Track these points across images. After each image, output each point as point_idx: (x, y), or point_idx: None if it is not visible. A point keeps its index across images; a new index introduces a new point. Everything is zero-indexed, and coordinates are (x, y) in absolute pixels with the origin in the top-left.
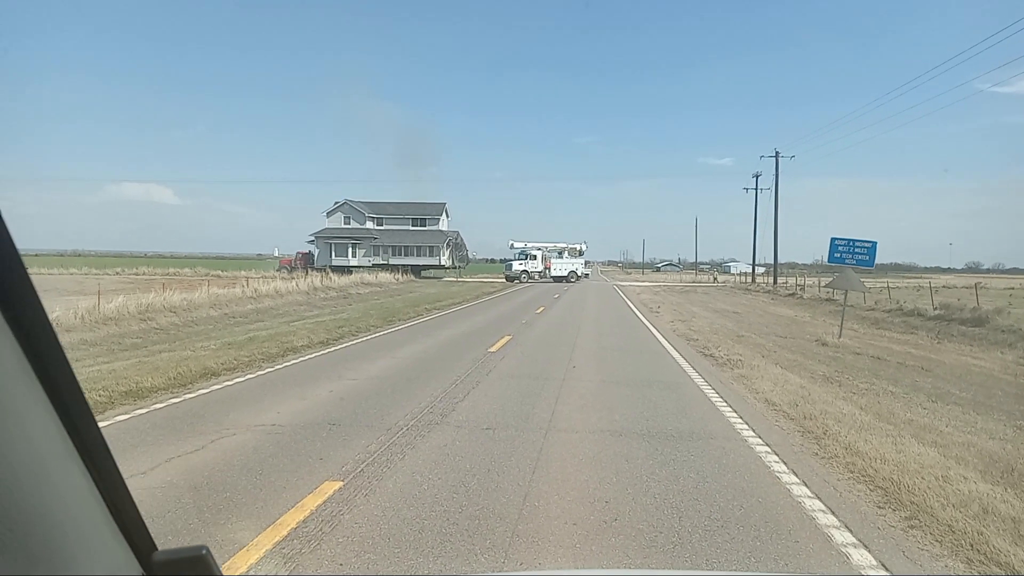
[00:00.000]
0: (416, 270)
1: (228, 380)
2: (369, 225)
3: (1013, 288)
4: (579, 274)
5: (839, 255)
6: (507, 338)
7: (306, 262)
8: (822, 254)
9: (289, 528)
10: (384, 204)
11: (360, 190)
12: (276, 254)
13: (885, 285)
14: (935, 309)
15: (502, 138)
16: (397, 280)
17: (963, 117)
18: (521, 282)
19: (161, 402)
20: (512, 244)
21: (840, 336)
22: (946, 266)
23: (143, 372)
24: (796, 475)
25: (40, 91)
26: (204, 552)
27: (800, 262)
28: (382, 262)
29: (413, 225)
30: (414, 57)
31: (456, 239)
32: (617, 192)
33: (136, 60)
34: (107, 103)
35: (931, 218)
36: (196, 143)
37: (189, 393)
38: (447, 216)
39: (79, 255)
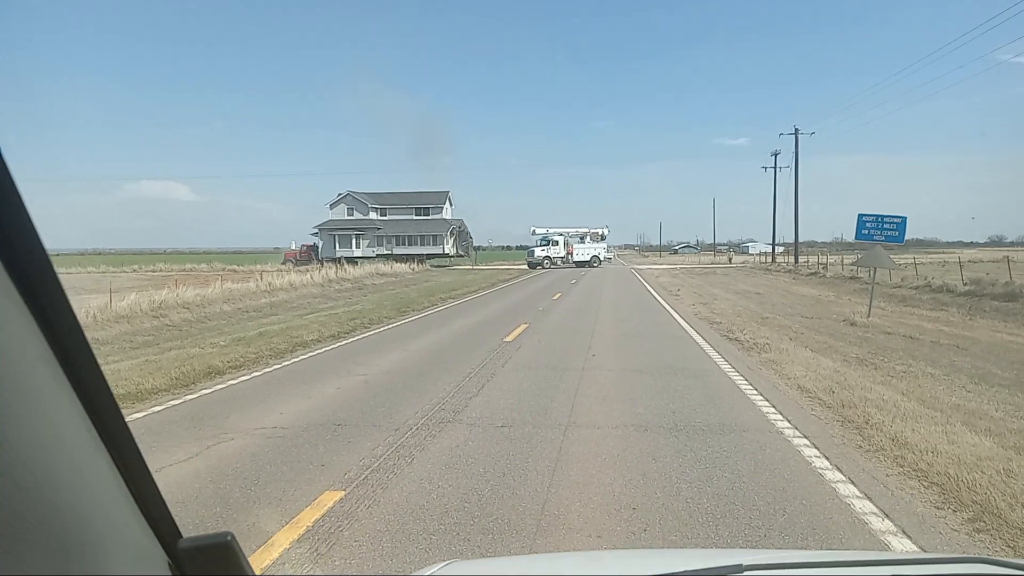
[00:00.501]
0: (421, 259)
1: (233, 379)
2: (372, 216)
3: None
4: (602, 259)
5: (867, 231)
6: (524, 326)
7: (311, 254)
8: (842, 232)
9: (281, 549)
10: (387, 194)
11: (375, 181)
12: (293, 247)
13: (912, 261)
14: (965, 285)
15: (516, 125)
16: (412, 270)
17: (985, 89)
18: (544, 268)
19: (160, 404)
20: (534, 230)
21: (869, 315)
22: (968, 240)
23: (146, 372)
24: (840, 471)
25: (60, 94)
26: (229, 538)
27: (819, 240)
28: (386, 252)
29: (416, 215)
30: (427, 50)
31: (460, 227)
32: (632, 176)
33: (150, 60)
34: (123, 104)
35: (953, 192)
36: (212, 140)
37: (191, 394)
38: (451, 204)
39: (99, 254)
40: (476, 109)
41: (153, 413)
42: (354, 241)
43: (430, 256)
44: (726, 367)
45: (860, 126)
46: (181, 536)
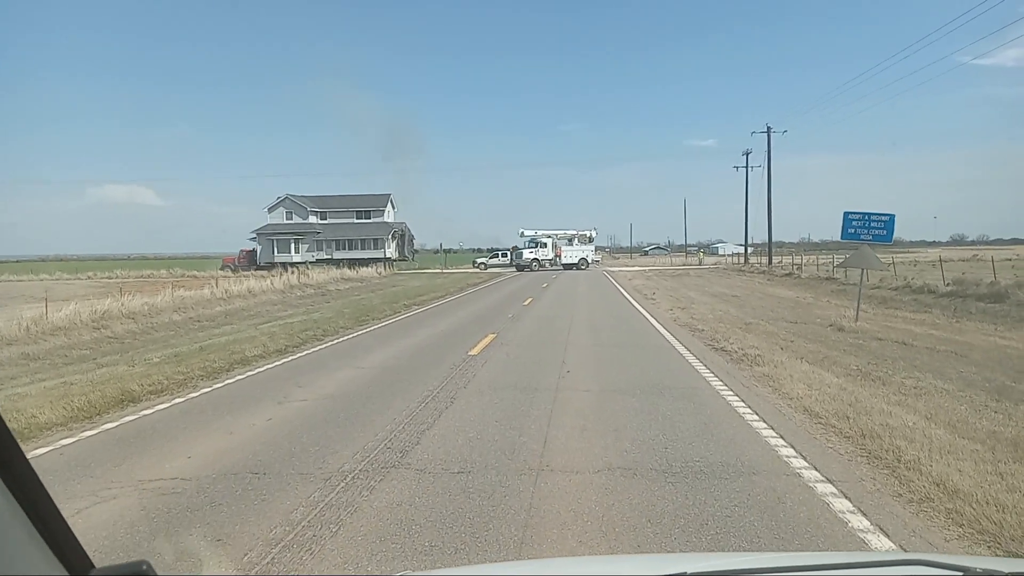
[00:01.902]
0: (363, 263)
1: (148, 408)
2: (312, 219)
3: (1012, 259)
4: (589, 261)
5: (853, 231)
6: (491, 337)
7: (249, 259)
8: (808, 232)
9: None
10: (328, 197)
11: (339, 183)
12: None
13: (890, 261)
14: (948, 285)
15: (486, 127)
16: (380, 274)
17: (944, 90)
18: (532, 270)
19: (45, 446)
20: (522, 232)
21: (857, 320)
22: (931, 239)
23: (50, 400)
24: (886, 534)
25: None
26: (144, 567)
27: (787, 240)
28: (326, 257)
29: (357, 218)
30: (397, 48)
31: (403, 230)
32: (602, 177)
33: (107, 55)
34: (79, 102)
35: (915, 191)
36: (177, 142)
37: (90, 429)
38: (393, 207)
39: (62, 260)
40: (445, 110)
41: (34, 458)
42: (293, 245)
43: (372, 260)
44: (717, 384)
45: (823, 127)
46: (93, 567)
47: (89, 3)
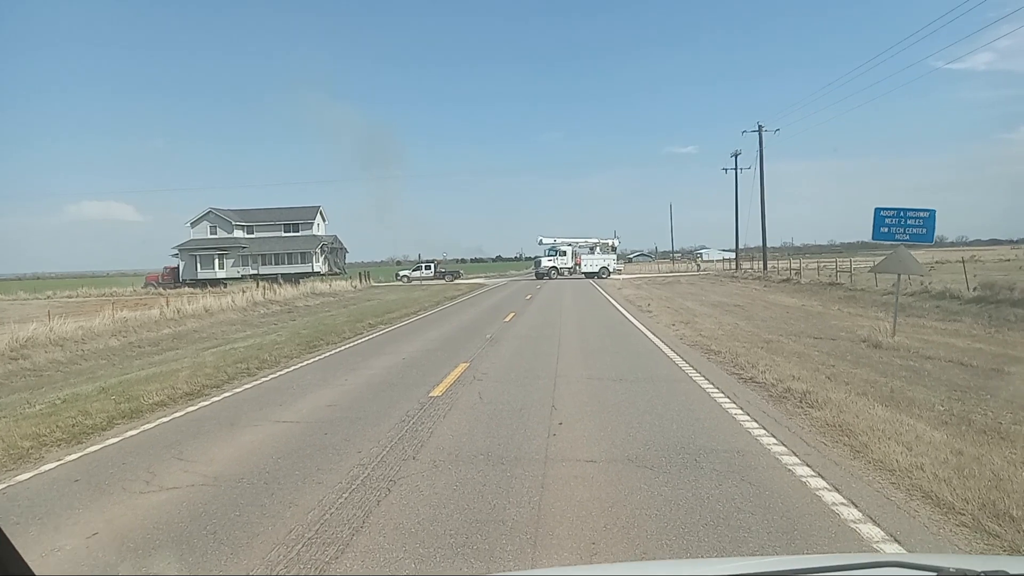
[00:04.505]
0: (291, 279)
1: None
2: (238, 234)
3: (1007, 260)
4: (611, 270)
5: (886, 229)
6: (462, 367)
7: (174, 276)
8: (792, 236)
9: None
10: (255, 211)
11: (320, 192)
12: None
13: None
14: (974, 290)
15: (464, 136)
16: (355, 287)
17: (919, 94)
18: (550, 279)
19: None
20: (541, 240)
21: (894, 334)
22: (912, 243)
23: None
24: None
25: None
26: None
27: (770, 245)
28: (252, 272)
29: (285, 232)
30: (373, 58)
31: (333, 243)
32: (582, 186)
33: (77, 66)
34: (52, 116)
35: (894, 195)
36: (153, 155)
37: None
38: (323, 220)
39: (38, 278)
40: (422, 120)
41: None
42: (217, 261)
43: (302, 275)
44: (771, 443)
45: (799, 133)
46: None
47: (57, 11)
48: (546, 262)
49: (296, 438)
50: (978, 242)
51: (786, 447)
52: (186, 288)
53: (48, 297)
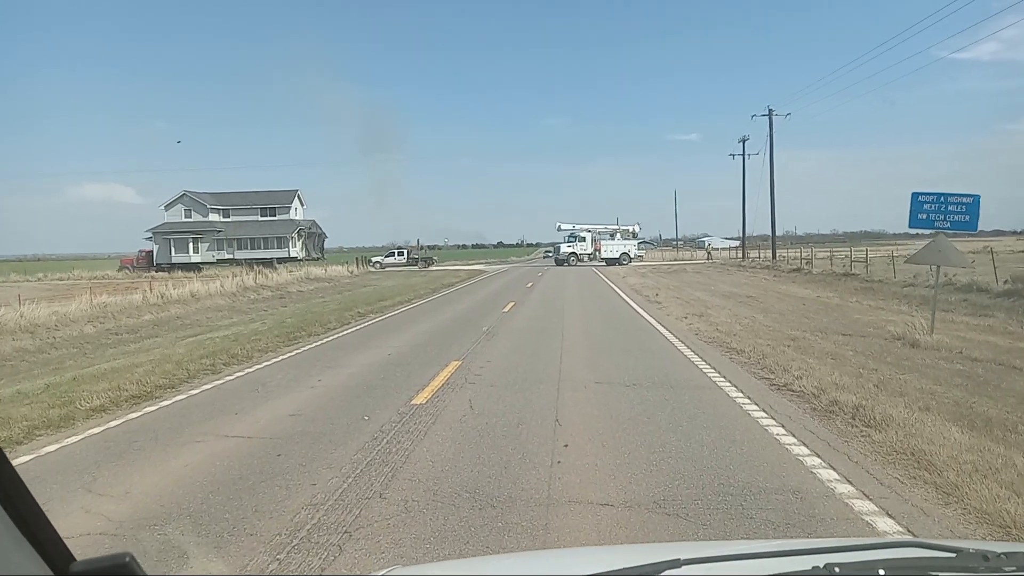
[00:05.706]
0: (267, 263)
1: None
2: (213, 217)
3: (1017, 251)
4: (632, 256)
5: (925, 216)
6: (453, 367)
7: (148, 260)
8: (795, 225)
9: None
10: (230, 194)
11: (322, 176)
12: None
13: (889, 254)
14: (1004, 283)
15: (468, 122)
16: (351, 273)
17: (925, 84)
18: (569, 265)
19: None
20: (559, 226)
21: (932, 332)
22: (915, 232)
23: None
24: None
25: None
26: (128, 559)
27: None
28: (228, 256)
29: (262, 216)
30: (380, 42)
31: (311, 228)
32: (586, 172)
33: (80, 47)
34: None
35: (897, 185)
36: (153, 137)
37: None
38: (301, 204)
39: (39, 260)
40: (427, 104)
41: None
42: (192, 245)
43: (278, 260)
44: (833, 480)
45: (802, 122)
46: (74, 559)
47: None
48: (565, 248)
49: (242, 461)
50: (982, 233)
51: (853, 486)
52: (162, 273)
53: (39, 279)
